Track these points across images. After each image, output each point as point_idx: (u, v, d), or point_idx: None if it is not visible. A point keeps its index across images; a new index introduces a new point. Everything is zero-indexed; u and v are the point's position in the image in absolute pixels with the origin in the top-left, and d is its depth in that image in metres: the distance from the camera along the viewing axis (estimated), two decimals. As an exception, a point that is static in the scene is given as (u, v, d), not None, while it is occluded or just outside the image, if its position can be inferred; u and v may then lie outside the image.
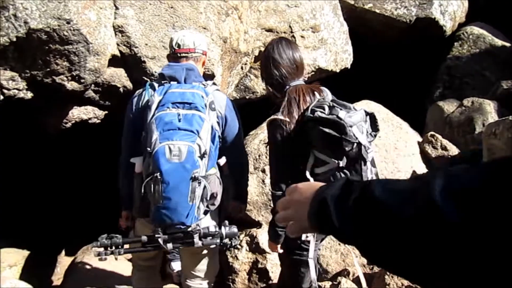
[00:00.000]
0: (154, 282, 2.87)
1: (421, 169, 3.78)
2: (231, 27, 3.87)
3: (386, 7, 5.53)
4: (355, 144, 2.20)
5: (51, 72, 2.98)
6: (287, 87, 2.36)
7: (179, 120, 2.25)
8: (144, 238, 2.33)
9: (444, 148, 3.90)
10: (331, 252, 3.59)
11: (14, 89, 2.97)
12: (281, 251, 2.56)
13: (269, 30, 4.35)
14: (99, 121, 3.60)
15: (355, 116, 2.22)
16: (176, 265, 3.57)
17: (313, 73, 4.65)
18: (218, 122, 2.45)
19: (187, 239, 2.35)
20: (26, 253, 4.52)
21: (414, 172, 3.67)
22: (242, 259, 3.69)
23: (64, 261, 4.70)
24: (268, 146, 2.42)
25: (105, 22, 3.15)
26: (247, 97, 4.41)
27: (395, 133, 3.93)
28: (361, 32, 5.62)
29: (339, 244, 3.60)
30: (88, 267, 3.79)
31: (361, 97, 4.23)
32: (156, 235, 2.26)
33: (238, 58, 4.07)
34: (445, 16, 5.79)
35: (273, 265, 3.41)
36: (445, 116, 4.67)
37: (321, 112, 2.21)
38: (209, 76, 3.68)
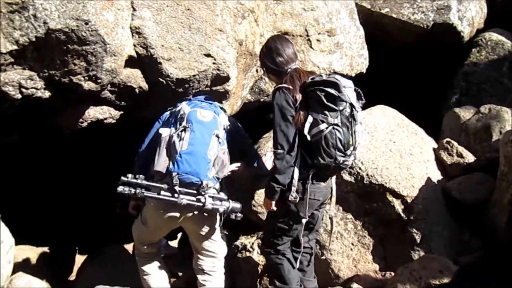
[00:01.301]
0: (158, 269, 3.13)
1: (436, 175, 3.73)
2: (247, 29, 3.88)
3: (403, 12, 5.49)
4: (348, 104, 2.70)
5: (68, 72, 3.01)
6: (289, 69, 2.91)
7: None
8: (165, 186, 2.69)
9: (460, 155, 3.85)
10: (343, 258, 3.56)
11: (32, 88, 3.01)
12: (275, 208, 2.90)
13: (285, 33, 4.34)
14: (114, 121, 3.62)
15: (347, 80, 2.78)
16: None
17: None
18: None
19: (199, 197, 2.71)
20: (40, 250, 4.58)
21: (429, 179, 3.63)
22: (253, 261, 3.68)
23: (77, 260, 4.75)
24: (273, 112, 2.83)
25: (123, 23, 3.18)
26: (261, 99, 4.41)
27: (410, 139, 3.89)
28: (377, 36, 5.59)
29: (351, 249, 3.57)
30: (100, 266, 3.82)
31: (376, 102, 4.20)
32: (175, 182, 2.65)
33: (253, 61, 4.07)
34: (463, 21, 5.72)
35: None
36: (461, 122, 4.60)
37: (319, 77, 2.76)
38: (224, 79, 3.69)
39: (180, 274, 4.36)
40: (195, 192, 2.72)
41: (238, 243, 3.89)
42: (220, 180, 2.90)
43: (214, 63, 3.53)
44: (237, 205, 2.88)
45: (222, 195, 2.85)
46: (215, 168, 2.81)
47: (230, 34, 3.65)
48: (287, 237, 3.00)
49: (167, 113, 3.16)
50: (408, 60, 5.85)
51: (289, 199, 2.78)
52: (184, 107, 2.96)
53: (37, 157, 4.64)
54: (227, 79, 3.71)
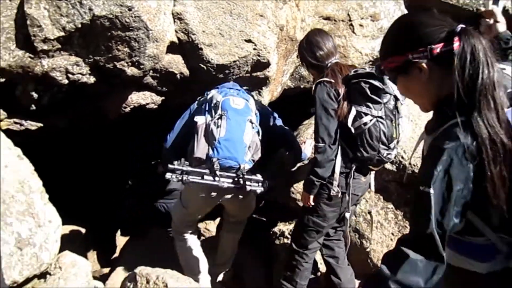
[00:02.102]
0: (196, 249, 3.34)
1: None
2: (288, 14, 3.82)
3: (452, -5, 5.26)
4: (392, 96, 2.62)
5: (112, 58, 3.07)
6: (329, 64, 2.85)
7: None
8: (207, 171, 2.85)
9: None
10: (382, 247, 3.50)
11: (78, 73, 3.09)
12: (312, 203, 2.87)
13: (327, 18, 4.26)
14: (156, 106, 3.68)
15: None
16: None
17: (371, 63, 4.51)
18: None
19: (238, 180, 2.88)
20: (85, 231, 4.75)
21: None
22: (291, 248, 3.67)
23: (119, 241, 4.90)
24: (314, 106, 2.79)
25: (165, 9, 3.20)
26: (301, 86, 4.36)
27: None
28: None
29: (391, 239, 3.50)
30: (141, 247, 3.93)
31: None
32: (215, 167, 2.81)
33: (294, 47, 4.02)
34: (517, 4, 5.42)
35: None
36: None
37: (362, 69, 2.69)
38: (264, 64, 3.66)
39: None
40: (234, 175, 2.88)
41: (276, 229, 3.90)
42: (255, 162, 3.02)
43: (254, 49, 3.51)
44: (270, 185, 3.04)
45: (259, 177, 2.96)
46: (251, 151, 2.97)
47: (271, 19, 3.61)
48: (320, 234, 2.96)
49: (195, 104, 3.26)
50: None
51: (331, 193, 2.77)
52: (215, 95, 3.06)
53: (82, 142, 4.79)
54: (267, 65, 3.69)
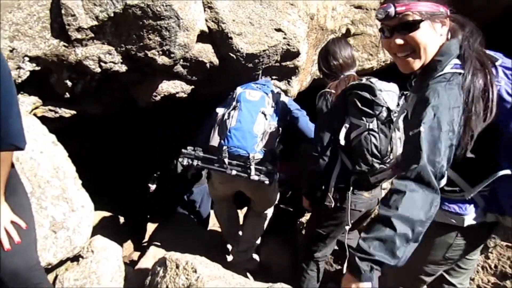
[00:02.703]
0: (230, 211, 3.78)
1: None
2: (318, 3, 3.78)
3: (490, -18, 5.07)
4: (384, 108, 2.49)
5: (144, 47, 3.11)
6: (341, 75, 2.78)
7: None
8: (215, 158, 3.04)
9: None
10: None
11: (110, 62, 3.15)
12: (309, 208, 2.98)
13: (358, 7, 4.19)
14: (185, 95, 3.71)
15: (386, 84, 2.56)
16: None
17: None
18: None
19: (246, 169, 2.99)
20: (117, 216, 4.86)
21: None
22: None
23: (148, 227, 5.00)
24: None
25: (195, -2, 3.21)
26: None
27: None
28: (457, 9, 5.22)
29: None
30: (170, 232, 3.99)
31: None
32: (224, 155, 2.99)
33: (324, 36, 3.98)
34: (559, -8, 5.18)
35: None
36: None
37: (358, 81, 2.60)
38: (294, 54, 3.64)
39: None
40: (243, 164, 3.01)
41: (303, 219, 3.90)
42: (272, 152, 3.12)
43: (284, 38, 3.49)
44: (283, 177, 3.20)
45: (269, 168, 3.02)
46: (263, 142, 3.07)
47: (301, 8, 3.58)
48: (324, 244, 2.94)
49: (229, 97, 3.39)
50: (493, 36, 5.42)
51: (326, 203, 2.73)
52: (238, 89, 3.24)
53: (113, 130, 4.88)
54: (297, 54, 3.66)
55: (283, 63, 3.70)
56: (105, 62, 3.13)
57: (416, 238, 1.39)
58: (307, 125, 3.30)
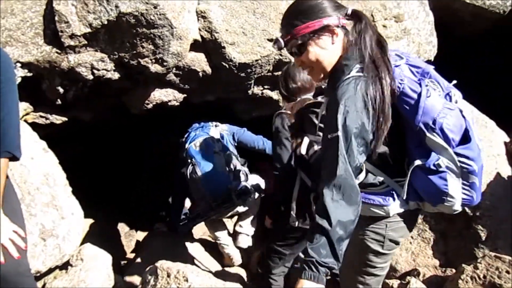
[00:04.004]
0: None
1: (506, 171, 3.52)
2: (311, 14, 3.81)
3: (478, -3, 5.16)
4: None
5: (137, 55, 3.12)
6: (298, 99, 2.82)
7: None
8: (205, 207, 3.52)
9: (534, 151, 3.61)
10: (401, 251, 3.47)
11: (103, 69, 3.15)
12: (269, 226, 3.03)
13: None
14: (177, 103, 3.72)
15: None
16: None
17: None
18: None
19: (228, 201, 3.41)
20: (106, 224, 4.82)
21: (498, 174, 3.43)
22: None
23: (137, 235, 4.96)
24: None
25: (189, 7, 3.23)
26: (322, 86, 4.34)
27: (480, 132, 3.66)
28: (447, 23, 5.30)
29: (410, 243, 3.47)
30: (161, 241, 3.97)
31: (444, 91, 4.01)
32: (210, 202, 3.46)
33: (316, 47, 4.01)
34: (545, 7, 5.29)
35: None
36: (537, 116, 4.31)
37: (315, 100, 2.69)
38: (286, 64, 3.66)
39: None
40: (227, 197, 3.45)
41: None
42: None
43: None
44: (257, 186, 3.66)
45: (250, 184, 3.57)
46: (233, 171, 3.55)
47: (294, 19, 3.61)
48: (283, 261, 2.96)
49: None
50: (480, 48, 5.52)
51: (290, 222, 2.71)
52: (186, 145, 3.67)
53: (104, 138, 4.87)
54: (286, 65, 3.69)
55: (275, 73, 3.72)
56: (98, 70, 3.13)
57: (348, 235, 1.53)
58: (251, 137, 3.71)
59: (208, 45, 3.41)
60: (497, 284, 2.74)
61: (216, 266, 3.96)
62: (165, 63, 3.22)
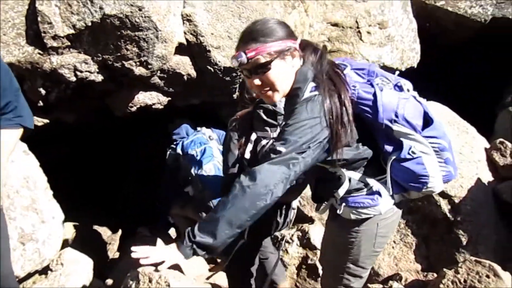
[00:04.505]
0: None
1: (487, 177, 3.58)
2: (296, 19, 3.84)
3: (460, 5, 5.25)
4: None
5: (121, 57, 3.09)
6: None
7: None
8: None
9: (514, 157, 3.67)
10: (383, 255, 3.49)
11: (86, 71, 3.11)
12: None
13: (335, 25, 4.28)
14: (162, 107, 3.69)
15: None
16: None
17: (377, 70, 4.52)
18: None
19: None
20: (87, 227, 4.76)
21: (479, 179, 3.48)
22: (292, 253, 3.68)
23: (120, 239, 4.90)
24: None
25: (174, 10, 3.22)
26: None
27: (461, 138, 3.74)
28: (430, 30, 5.39)
29: (393, 247, 3.50)
30: (142, 245, 3.92)
31: (426, 97, 4.05)
32: None
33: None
34: (525, 17, 5.41)
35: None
36: (516, 123, 4.40)
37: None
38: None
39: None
40: None
41: (277, 233, 3.90)
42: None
43: (262, 53, 3.52)
44: None
45: None
46: None
47: (279, 23, 3.62)
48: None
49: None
50: (462, 56, 5.62)
51: None
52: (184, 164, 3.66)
53: (87, 140, 4.81)
54: (274, 69, 3.70)
55: (260, 77, 3.73)
56: (81, 71, 3.10)
57: (239, 225, 1.56)
58: None
59: (193, 49, 3.39)
60: (477, 288, 2.78)
61: (199, 271, 3.93)
62: (149, 66, 3.19)
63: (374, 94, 1.70)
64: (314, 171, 1.86)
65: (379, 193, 1.85)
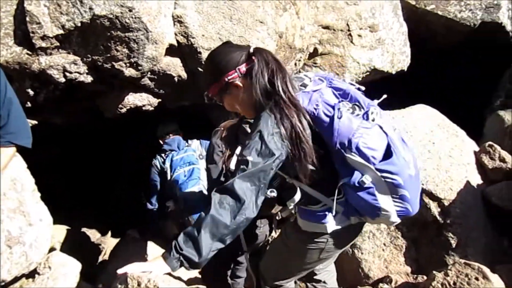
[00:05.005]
0: None
1: (476, 180, 3.60)
2: (287, 22, 3.84)
3: (450, 9, 5.30)
4: None
5: (111, 58, 3.06)
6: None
7: None
8: None
9: (503, 160, 3.69)
10: (374, 258, 3.50)
11: (75, 72, 3.08)
12: None
13: (326, 27, 4.28)
14: (152, 108, 3.67)
15: None
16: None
17: (367, 73, 4.54)
18: None
19: None
20: (76, 230, 4.71)
21: (468, 182, 3.50)
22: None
23: (109, 242, 4.86)
24: None
25: (165, 11, 3.20)
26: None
27: (450, 141, 3.76)
28: (420, 34, 5.43)
29: (383, 250, 3.50)
30: (132, 248, 3.90)
31: (416, 101, 4.09)
32: None
33: (292, 54, 4.04)
34: (513, 21, 5.48)
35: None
36: (505, 126, 4.43)
37: None
38: (262, 71, 3.67)
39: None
40: None
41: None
42: None
43: (253, 55, 3.51)
44: None
45: None
46: None
47: (270, 26, 3.62)
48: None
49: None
50: (452, 59, 5.67)
51: None
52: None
53: (77, 142, 4.77)
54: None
55: (251, 80, 3.72)
56: (70, 72, 3.06)
57: (220, 237, 1.61)
58: None
59: (184, 50, 3.38)
60: (467, 291, 2.79)
61: (188, 274, 3.90)
62: (139, 67, 3.17)
63: (332, 118, 1.72)
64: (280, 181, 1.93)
65: (329, 212, 1.87)
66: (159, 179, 3.85)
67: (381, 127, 1.74)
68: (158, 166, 3.85)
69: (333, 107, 1.74)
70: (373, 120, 1.74)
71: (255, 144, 1.68)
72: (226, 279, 3.21)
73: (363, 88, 1.93)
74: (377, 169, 1.70)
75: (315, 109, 1.75)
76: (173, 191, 3.63)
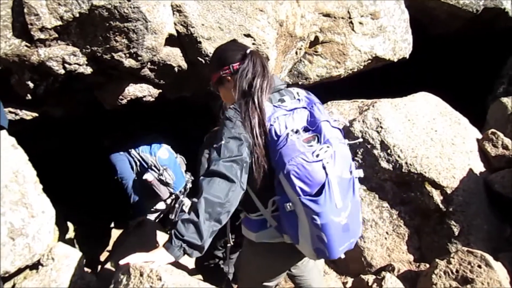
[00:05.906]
0: None
1: (479, 167, 3.59)
2: (288, 10, 3.80)
3: (452, -5, 5.24)
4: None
5: (110, 49, 3.04)
6: None
7: None
8: None
9: (505, 147, 3.68)
10: (376, 246, 3.50)
11: (75, 64, 3.06)
12: None
13: (327, 15, 4.24)
14: (153, 99, 3.65)
15: None
16: None
17: (369, 61, 4.50)
18: None
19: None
20: (79, 222, 4.73)
21: (471, 170, 3.49)
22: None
23: (113, 233, 4.88)
24: None
25: (164, 1, 3.17)
26: (299, 82, 4.34)
27: (453, 128, 3.75)
28: (422, 21, 5.38)
29: (386, 238, 3.50)
30: (136, 240, 3.91)
31: (418, 88, 4.06)
32: None
33: (293, 43, 4.00)
34: (516, 7, 5.42)
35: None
36: (508, 113, 4.40)
37: None
38: (263, 60, 3.64)
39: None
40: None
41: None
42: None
43: (253, 44, 3.49)
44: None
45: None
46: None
47: (270, 14, 3.59)
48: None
49: None
50: (454, 46, 5.62)
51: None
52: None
53: (77, 134, 4.76)
54: (266, 60, 3.66)
55: (252, 69, 3.70)
56: (70, 64, 3.04)
57: (215, 215, 1.69)
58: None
59: (184, 40, 3.35)
60: (469, 278, 2.79)
61: (190, 264, 3.92)
62: (139, 58, 3.15)
63: (279, 138, 1.80)
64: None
65: (264, 223, 1.96)
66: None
67: (324, 167, 1.71)
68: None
69: (286, 131, 1.81)
70: (317, 156, 1.73)
71: (223, 130, 1.82)
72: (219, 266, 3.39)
73: (341, 126, 1.97)
74: (301, 202, 1.71)
75: (271, 125, 1.83)
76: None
